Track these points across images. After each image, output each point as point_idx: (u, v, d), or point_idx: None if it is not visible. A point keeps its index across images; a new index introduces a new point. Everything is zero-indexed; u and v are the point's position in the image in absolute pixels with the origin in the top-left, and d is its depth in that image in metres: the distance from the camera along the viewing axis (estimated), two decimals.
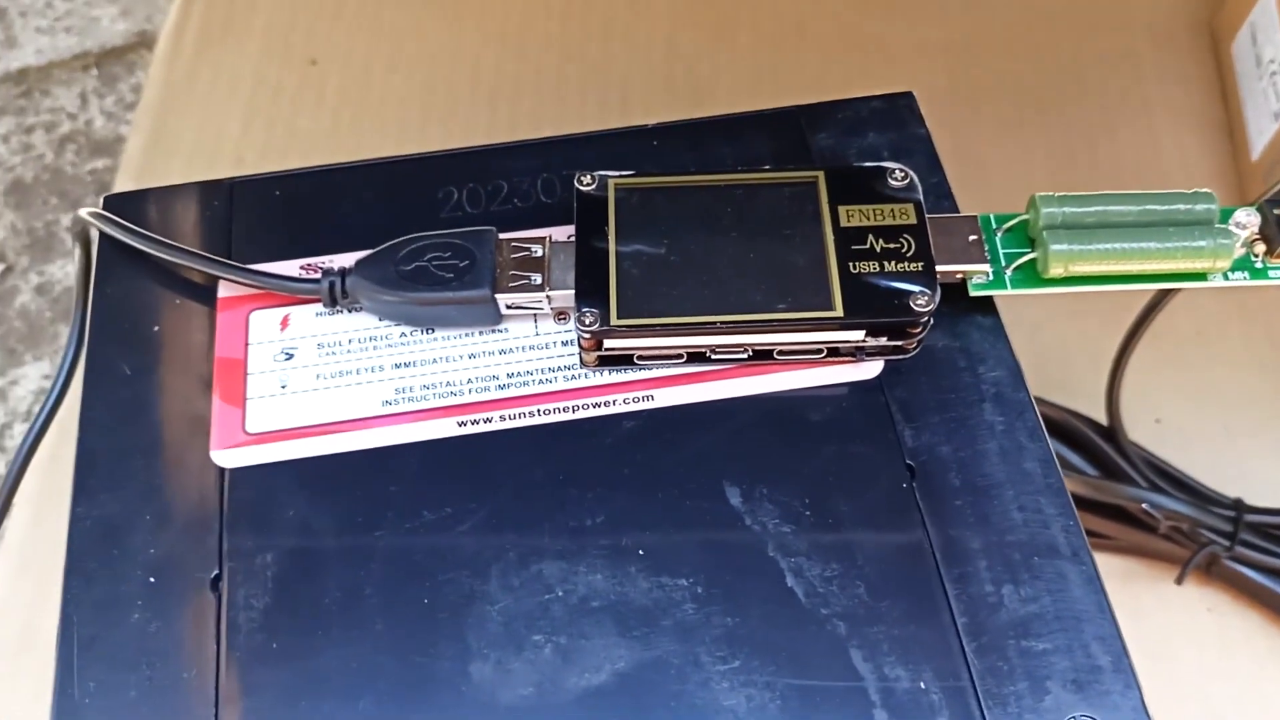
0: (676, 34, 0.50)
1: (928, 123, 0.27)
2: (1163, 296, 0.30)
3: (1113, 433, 0.36)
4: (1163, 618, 0.38)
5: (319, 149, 0.46)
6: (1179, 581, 0.36)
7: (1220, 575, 0.37)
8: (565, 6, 0.50)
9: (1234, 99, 0.47)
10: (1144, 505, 0.34)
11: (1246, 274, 0.24)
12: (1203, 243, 0.23)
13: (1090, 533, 0.38)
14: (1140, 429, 0.40)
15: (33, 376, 0.47)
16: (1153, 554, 0.38)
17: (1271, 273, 0.24)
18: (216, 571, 0.21)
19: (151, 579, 0.21)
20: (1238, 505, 0.36)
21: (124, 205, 0.26)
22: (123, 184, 0.46)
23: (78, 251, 0.26)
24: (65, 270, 0.48)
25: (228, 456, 0.22)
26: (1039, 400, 0.37)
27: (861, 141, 0.27)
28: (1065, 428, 0.37)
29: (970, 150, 0.47)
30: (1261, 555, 0.36)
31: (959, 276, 0.24)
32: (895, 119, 0.27)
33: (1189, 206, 0.23)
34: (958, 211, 0.25)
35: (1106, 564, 0.38)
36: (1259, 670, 0.37)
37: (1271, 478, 0.40)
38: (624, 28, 0.49)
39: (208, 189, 0.26)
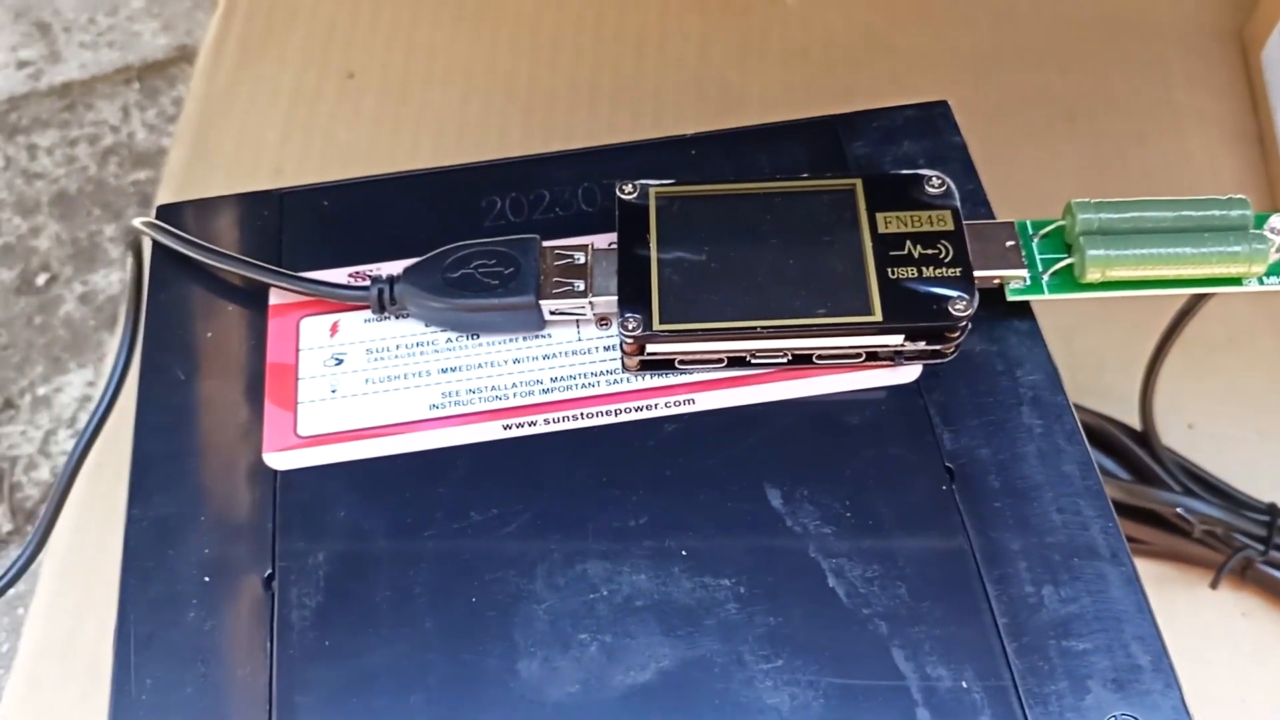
0: (707, 44, 0.50)
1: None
2: (1195, 303, 0.30)
3: (1146, 438, 0.36)
4: (1197, 622, 0.38)
5: (357, 160, 0.47)
6: (1214, 586, 0.36)
7: (1255, 579, 0.37)
8: (598, 19, 0.51)
9: (1264, 107, 0.47)
10: (1178, 509, 0.34)
11: None
12: (1238, 248, 0.23)
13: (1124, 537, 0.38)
14: (1173, 435, 0.40)
15: (76, 384, 0.48)
16: (1187, 558, 0.38)
17: None
18: (270, 571, 0.22)
19: (206, 578, 0.22)
20: (1272, 510, 0.36)
21: (176, 215, 0.27)
22: (165, 195, 0.47)
23: (129, 260, 0.27)
24: (109, 280, 0.49)
25: (280, 459, 0.23)
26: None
27: (897, 150, 0.27)
28: (1100, 433, 0.37)
29: (1000, 159, 0.47)
30: None
31: (996, 282, 0.24)
32: (930, 127, 0.27)
33: (1224, 212, 0.24)
34: (994, 218, 0.26)
35: (1141, 568, 0.38)
36: None
37: None
38: (655, 39, 0.50)
39: (258, 199, 0.27)
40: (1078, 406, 0.38)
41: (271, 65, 0.50)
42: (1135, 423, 0.37)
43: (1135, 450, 0.36)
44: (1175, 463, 0.36)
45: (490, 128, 0.48)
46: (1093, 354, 0.41)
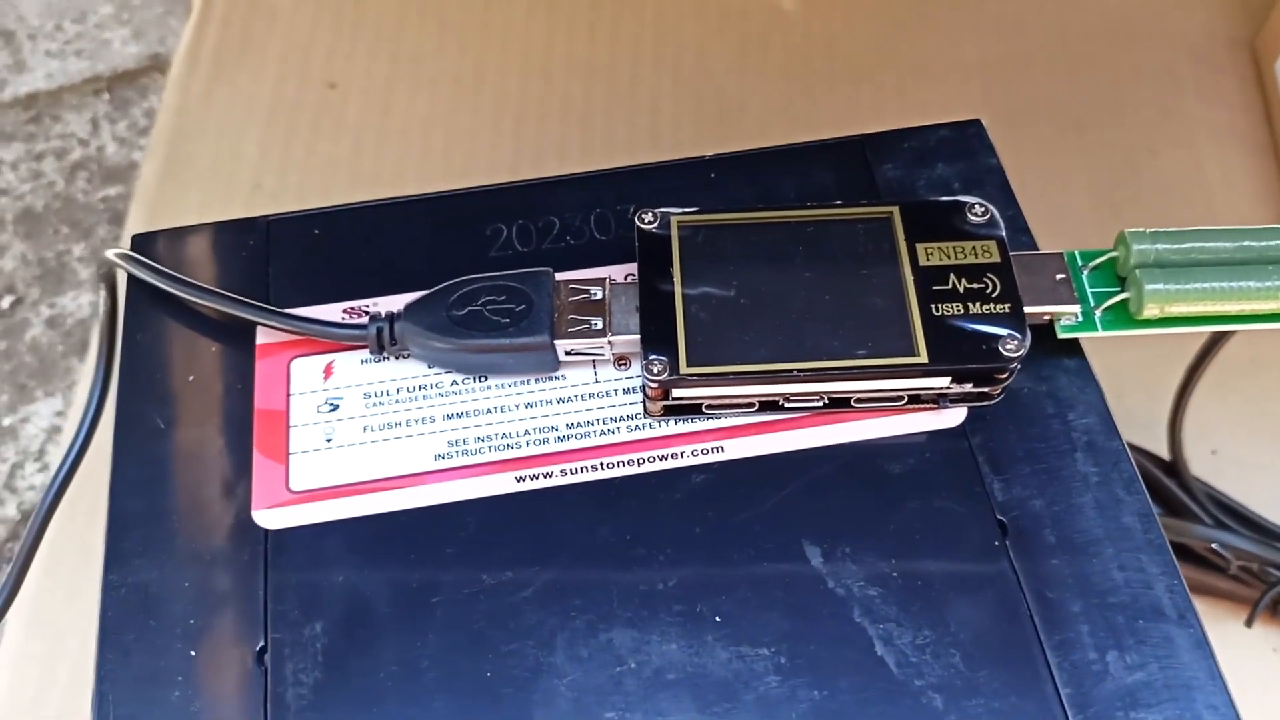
0: (705, 54, 0.48)
1: None
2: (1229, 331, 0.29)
3: (1175, 468, 0.34)
4: (1225, 658, 0.36)
5: (339, 174, 0.45)
6: (1249, 624, 0.35)
7: None
8: (591, 28, 0.49)
9: (1277, 118, 0.46)
10: (1213, 545, 0.33)
11: None
12: None
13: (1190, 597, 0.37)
14: (1196, 461, 0.38)
15: (44, 414, 0.45)
16: (1216, 593, 0.36)
17: None
18: (262, 643, 0.20)
19: (192, 652, 0.20)
20: None
21: (152, 245, 0.25)
22: (137, 212, 0.45)
23: (102, 294, 0.24)
24: (78, 302, 0.47)
25: (271, 517, 0.21)
26: None
27: (930, 172, 0.25)
28: None
29: (1008, 171, 0.45)
30: None
31: (1046, 318, 0.22)
32: (964, 148, 0.26)
33: None
34: (1036, 247, 0.24)
35: None
36: None
37: None
38: (651, 48, 0.48)
39: (242, 226, 0.25)
40: None
41: (248, 75, 0.48)
42: (1159, 450, 0.36)
43: (1165, 481, 0.34)
44: (1205, 493, 0.35)
45: (479, 140, 0.46)
46: (1113, 378, 0.39)
